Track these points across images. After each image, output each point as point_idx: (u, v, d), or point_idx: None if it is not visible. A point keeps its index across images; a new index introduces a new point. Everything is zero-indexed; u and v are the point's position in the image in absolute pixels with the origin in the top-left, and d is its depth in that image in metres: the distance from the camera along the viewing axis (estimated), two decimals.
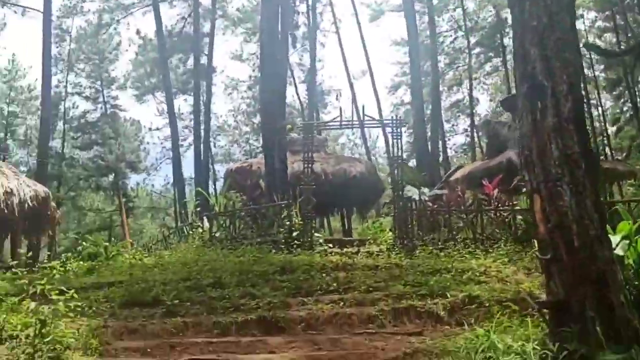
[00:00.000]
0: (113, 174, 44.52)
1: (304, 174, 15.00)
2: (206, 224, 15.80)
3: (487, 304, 8.14)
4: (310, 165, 15.03)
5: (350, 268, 11.59)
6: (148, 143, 52.38)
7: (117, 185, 44.45)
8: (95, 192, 48.18)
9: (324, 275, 10.39)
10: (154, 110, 76.67)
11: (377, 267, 11.50)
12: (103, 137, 45.12)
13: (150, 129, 52.51)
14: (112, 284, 10.05)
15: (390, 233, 14.72)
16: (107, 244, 14.79)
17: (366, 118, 15.61)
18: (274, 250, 13.30)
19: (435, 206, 15.35)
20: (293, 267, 11.12)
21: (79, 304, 8.01)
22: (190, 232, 16.34)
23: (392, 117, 15.91)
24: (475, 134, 48.42)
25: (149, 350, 6.22)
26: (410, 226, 14.54)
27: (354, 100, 38.53)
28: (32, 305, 5.28)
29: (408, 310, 7.98)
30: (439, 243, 13.87)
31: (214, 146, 54.87)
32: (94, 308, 8.17)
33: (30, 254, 15.02)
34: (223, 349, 6.45)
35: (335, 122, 15.63)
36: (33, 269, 14.50)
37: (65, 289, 5.69)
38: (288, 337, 7.13)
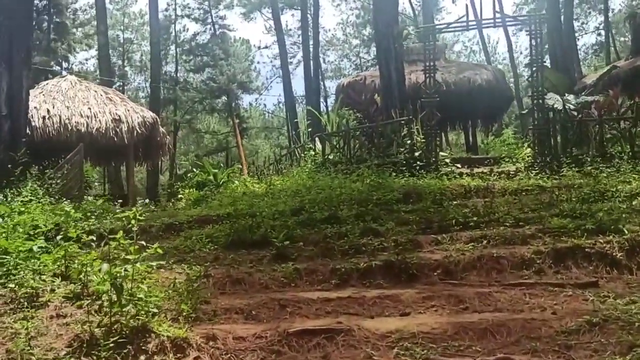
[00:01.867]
0: (226, 96, 44.33)
1: (425, 85, 13.18)
2: (318, 146, 14.55)
3: None
4: (432, 75, 13.17)
5: (487, 193, 9.98)
6: (258, 62, 52.04)
7: (230, 106, 44.32)
8: (210, 114, 48.67)
9: (457, 204, 8.86)
10: (262, 28, 76.09)
11: (520, 191, 9.78)
12: (214, 58, 44.75)
13: (259, 48, 52.00)
14: (219, 218, 9.08)
15: (529, 149, 12.71)
16: (216, 170, 13.98)
17: (497, 16, 13.32)
18: (394, 174, 11.86)
19: (581, 115, 13.02)
20: (419, 194, 9.68)
21: (181, 246, 7.11)
22: (302, 155, 15.19)
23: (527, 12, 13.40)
24: (610, 32, 43.03)
25: (254, 312, 5.05)
26: (553, 141, 12.48)
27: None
28: (105, 266, 4.19)
29: (573, 252, 6.26)
30: (588, 159, 11.76)
31: (324, 62, 53.50)
32: (197, 250, 7.21)
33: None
34: (344, 308, 5.15)
35: (459, 22, 13.51)
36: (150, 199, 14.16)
37: (146, 245, 4.56)
38: (423, 288, 5.72)
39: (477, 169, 12.77)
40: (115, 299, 4.19)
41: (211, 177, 13.78)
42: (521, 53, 53.98)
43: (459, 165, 12.53)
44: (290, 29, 48.00)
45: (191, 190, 13.22)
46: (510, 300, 5.23)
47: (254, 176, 17.99)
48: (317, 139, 14.81)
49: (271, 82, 53.68)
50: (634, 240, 6.31)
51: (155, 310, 4.29)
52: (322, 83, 50.59)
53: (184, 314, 4.66)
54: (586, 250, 6.24)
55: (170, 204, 12.58)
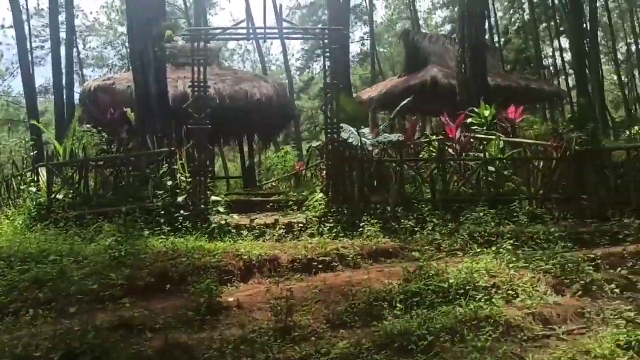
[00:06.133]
0: None
1: (192, 107, 9.93)
2: (45, 178, 10.43)
3: None
4: (203, 93, 9.98)
5: (273, 269, 7.33)
6: (1, 44, 44.03)
7: None
8: None
9: (234, 308, 5.88)
10: (7, 4, 65.70)
11: (315, 265, 7.28)
12: None
13: (2, 27, 43.78)
14: None
15: (321, 195, 10.24)
16: None
17: (285, 25, 10.58)
18: (148, 230, 8.51)
19: (376, 152, 10.97)
20: (178, 272, 6.74)
21: None
22: (20, 191, 10.89)
23: (321, 25, 10.87)
24: (374, 43, 44.02)
25: None
26: (348, 185, 10.16)
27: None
28: None
29: None
30: (388, 209, 9.73)
31: (84, 48, 47.13)
32: None
33: None
34: None
35: (240, 29, 10.50)
36: None
37: None
38: None
39: (259, 216, 10.02)
40: None
41: None
42: (293, 56, 53.75)
43: (235, 216, 9.57)
44: (42, 9, 41.02)
45: None
46: None
47: None
48: (41, 169, 10.63)
49: (18, 67, 45.61)
50: None
51: None
52: (80, 73, 44.28)
53: None
54: None
55: None
